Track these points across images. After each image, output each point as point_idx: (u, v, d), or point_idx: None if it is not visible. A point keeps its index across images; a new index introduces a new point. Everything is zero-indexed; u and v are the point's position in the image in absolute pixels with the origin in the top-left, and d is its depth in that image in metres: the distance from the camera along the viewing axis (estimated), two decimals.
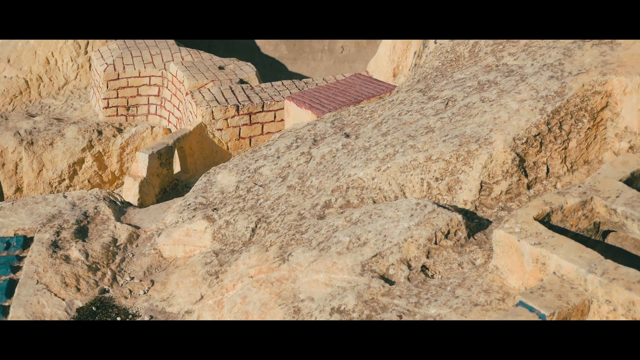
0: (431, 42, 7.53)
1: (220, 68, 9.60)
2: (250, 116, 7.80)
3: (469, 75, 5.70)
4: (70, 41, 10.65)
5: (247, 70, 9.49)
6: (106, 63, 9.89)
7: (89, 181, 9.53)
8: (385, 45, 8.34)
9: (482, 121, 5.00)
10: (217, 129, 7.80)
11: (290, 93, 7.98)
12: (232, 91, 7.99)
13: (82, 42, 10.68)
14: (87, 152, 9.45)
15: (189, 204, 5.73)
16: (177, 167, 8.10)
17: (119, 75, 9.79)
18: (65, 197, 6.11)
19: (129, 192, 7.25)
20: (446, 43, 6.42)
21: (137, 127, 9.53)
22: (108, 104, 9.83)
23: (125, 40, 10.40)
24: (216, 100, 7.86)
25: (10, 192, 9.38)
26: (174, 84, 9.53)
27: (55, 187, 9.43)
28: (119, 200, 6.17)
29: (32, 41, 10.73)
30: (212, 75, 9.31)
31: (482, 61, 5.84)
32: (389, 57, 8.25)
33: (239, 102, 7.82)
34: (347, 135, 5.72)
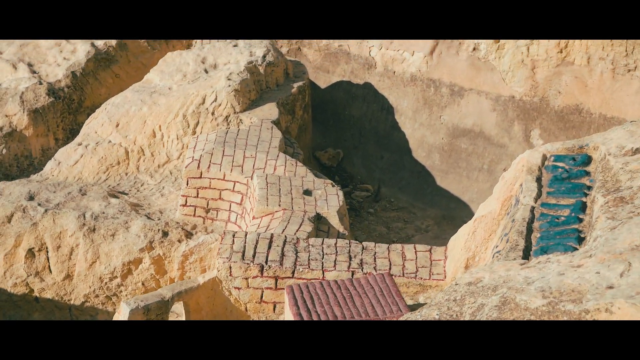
0: (505, 238, 6.33)
1: (306, 192, 8.82)
2: (276, 280, 6.97)
3: None
4: (180, 117, 10.31)
5: (333, 204, 8.63)
6: (192, 157, 9.42)
7: (143, 284, 9.13)
8: (467, 226, 7.12)
9: None
10: (235, 287, 7.05)
11: (356, 262, 7.02)
12: (270, 243, 7.18)
13: (192, 120, 10.30)
14: (146, 253, 9.04)
15: None
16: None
17: (201, 174, 9.29)
18: None
19: None
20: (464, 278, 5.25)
21: (206, 237, 8.98)
22: (186, 201, 9.36)
23: (229, 131, 9.89)
24: (243, 252, 7.08)
25: (59, 277, 9.18)
26: (254, 198, 8.89)
27: (106, 283, 9.11)
28: None
29: (145, 109, 10.50)
30: (287, 203, 8.55)
31: None
32: (465, 244, 7.03)
33: (266, 261, 7.00)
34: None
